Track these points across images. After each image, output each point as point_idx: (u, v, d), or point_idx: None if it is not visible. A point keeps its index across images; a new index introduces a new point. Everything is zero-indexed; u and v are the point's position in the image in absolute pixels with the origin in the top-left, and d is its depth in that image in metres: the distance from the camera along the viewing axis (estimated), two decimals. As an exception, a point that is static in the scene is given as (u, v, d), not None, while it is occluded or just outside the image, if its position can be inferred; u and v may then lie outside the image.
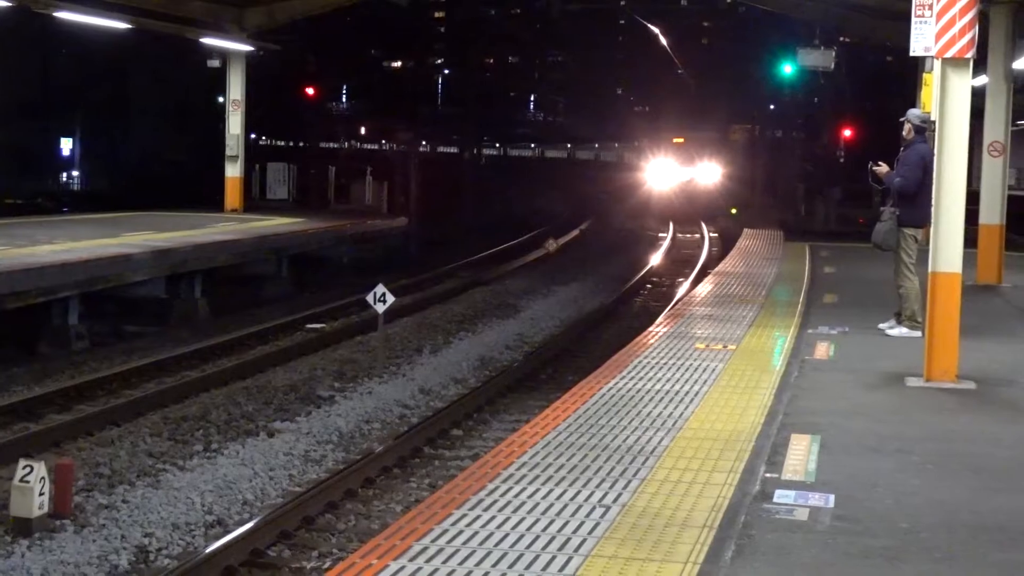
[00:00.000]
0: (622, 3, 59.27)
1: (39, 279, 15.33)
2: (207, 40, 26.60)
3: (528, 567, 5.29)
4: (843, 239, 25.93)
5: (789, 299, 15.13)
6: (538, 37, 70.95)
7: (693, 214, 41.13)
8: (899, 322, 12.23)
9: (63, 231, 20.26)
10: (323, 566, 8.42)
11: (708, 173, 48.58)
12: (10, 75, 40.55)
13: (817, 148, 55.30)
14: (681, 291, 22.80)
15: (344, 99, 72.72)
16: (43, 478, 8.85)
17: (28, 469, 8.81)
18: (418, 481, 10.69)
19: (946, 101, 9.65)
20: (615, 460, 7.10)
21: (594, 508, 6.14)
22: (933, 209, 9.81)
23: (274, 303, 21.60)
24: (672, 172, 48.42)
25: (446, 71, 75.22)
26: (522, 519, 5.95)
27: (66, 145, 47.89)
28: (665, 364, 10.34)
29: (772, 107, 60.01)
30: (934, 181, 9.81)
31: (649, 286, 25.17)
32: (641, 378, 9.69)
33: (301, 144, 58.76)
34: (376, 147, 63.83)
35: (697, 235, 37.12)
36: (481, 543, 5.58)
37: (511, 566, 5.30)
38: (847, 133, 50.19)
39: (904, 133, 12.07)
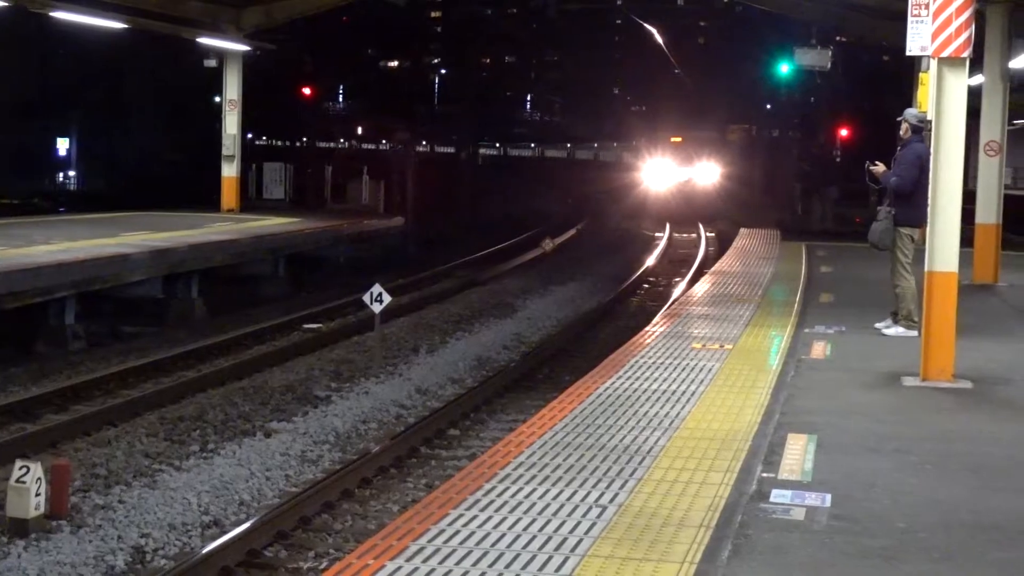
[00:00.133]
0: (619, 3, 59.27)
1: (36, 279, 15.31)
2: (204, 40, 26.57)
3: (525, 567, 5.29)
4: (840, 239, 25.96)
5: (786, 299, 15.13)
6: (535, 37, 70.99)
7: (691, 215, 41.10)
8: (895, 321, 12.24)
9: (60, 231, 20.23)
10: (320, 566, 8.42)
11: (706, 173, 48.55)
12: (6, 75, 40.58)
13: (814, 148, 55.29)
14: (678, 291, 22.80)
15: (341, 99, 72.69)
16: (39, 479, 8.84)
17: (24, 470, 8.80)
18: (415, 481, 10.68)
19: (942, 100, 9.66)
20: (612, 460, 7.10)
21: (591, 508, 6.14)
22: (929, 208, 9.81)
23: (271, 303, 21.58)
24: (670, 172, 48.39)
25: (443, 71, 75.14)
26: (519, 519, 5.95)
27: (63, 145, 47.90)
28: (662, 364, 10.34)
29: (769, 107, 60.04)
30: (930, 180, 9.80)
31: (646, 286, 25.17)
32: (638, 378, 9.68)
33: (298, 144, 58.73)
34: (373, 147, 63.75)
35: (694, 235, 37.14)
36: (478, 543, 5.58)
37: (508, 566, 5.29)
38: (844, 133, 50.19)
39: (901, 132, 12.09)
